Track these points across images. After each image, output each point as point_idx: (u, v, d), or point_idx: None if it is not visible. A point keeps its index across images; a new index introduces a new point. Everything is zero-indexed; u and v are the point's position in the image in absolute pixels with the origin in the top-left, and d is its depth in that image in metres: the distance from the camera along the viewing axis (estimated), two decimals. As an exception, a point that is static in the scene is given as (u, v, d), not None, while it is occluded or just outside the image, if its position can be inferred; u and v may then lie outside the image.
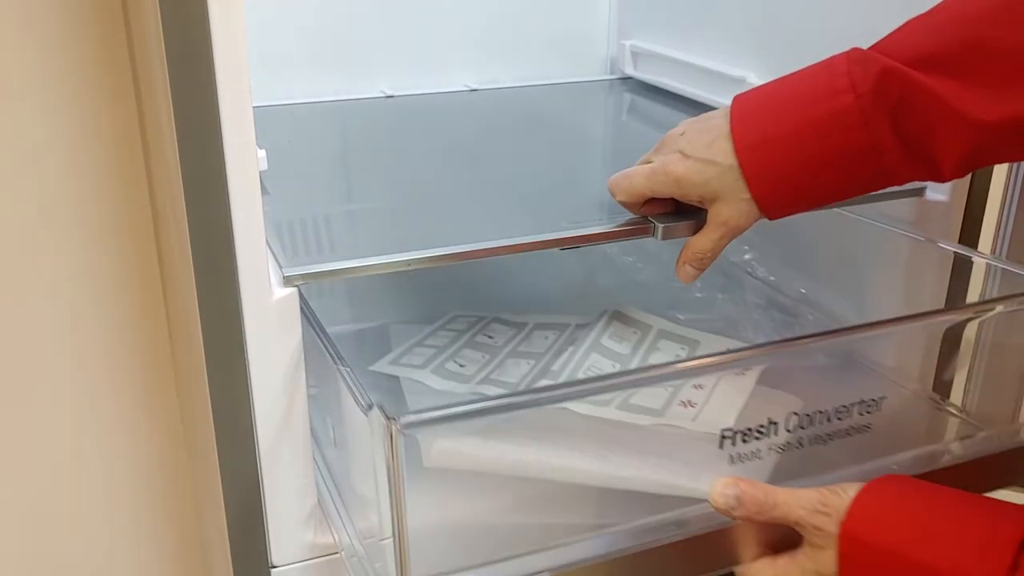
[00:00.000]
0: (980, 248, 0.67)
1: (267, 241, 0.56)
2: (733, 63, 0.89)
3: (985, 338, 0.62)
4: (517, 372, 0.66)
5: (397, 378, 0.67)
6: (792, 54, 0.83)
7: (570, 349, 0.67)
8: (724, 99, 0.90)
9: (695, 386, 0.56)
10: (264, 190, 0.53)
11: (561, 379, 0.63)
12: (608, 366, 0.65)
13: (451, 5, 0.99)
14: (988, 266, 0.64)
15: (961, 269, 0.67)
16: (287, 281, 0.54)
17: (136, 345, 0.90)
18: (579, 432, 0.53)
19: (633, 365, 0.66)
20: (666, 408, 0.56)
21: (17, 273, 0.84)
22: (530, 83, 1.05)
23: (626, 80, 1.07)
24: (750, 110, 0.53)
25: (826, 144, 0.50)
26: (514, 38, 1.02)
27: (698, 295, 0.80)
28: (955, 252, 0.66)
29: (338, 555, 0.60)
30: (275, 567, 0.60)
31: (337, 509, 0.60)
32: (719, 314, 0.79)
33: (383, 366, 0.69)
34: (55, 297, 0.86)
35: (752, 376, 0.55)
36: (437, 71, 1.00)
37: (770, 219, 0.55)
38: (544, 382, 0.63)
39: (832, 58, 0.52)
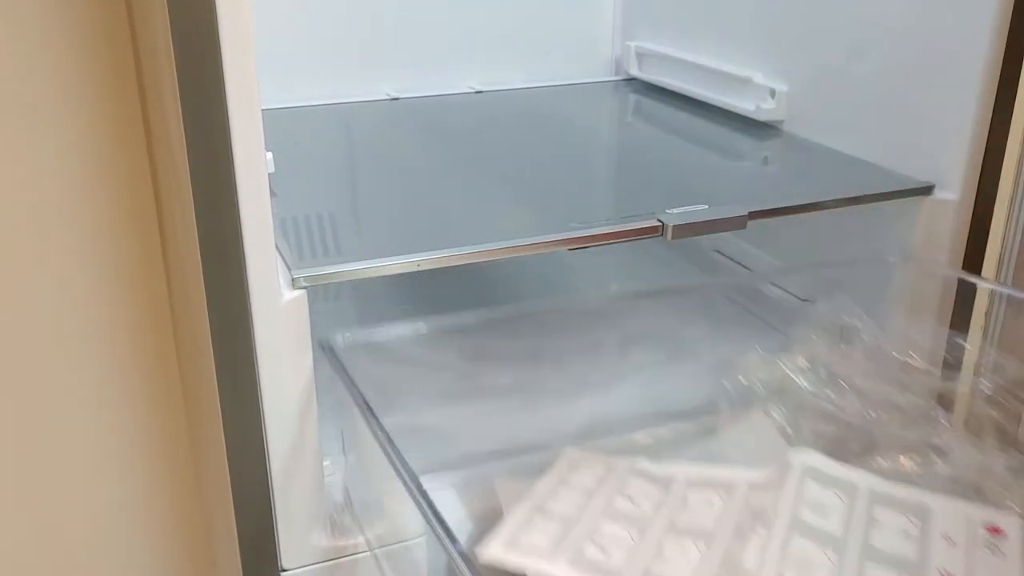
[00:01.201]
0: (989, 247, 0.67)
1: (275, 244, 0.56)
2: (738, 63, 0.89)
3: None
4: (685, 563, 0.48)
5: None
6: (797, 53, 0.83)
7: (760, 532, 0.49)
8: (729, 99, 0.90)
9: (946, 539, 0.45)
10: (271, 192, 0.53)
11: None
12: (821, 556, 0.47)
13: (455, 7, 0.99)
14: (992, 291, 0.63)
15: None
16: (296, 283, 0.54)
17: (141, 348, 0.90)
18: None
19: (854, 552, 0.48)
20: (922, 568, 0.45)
21: (19, 278, 0.84)
22: (535, 84, 1.05)
23: (631, 81, 1.07)
24: None
25: None
26: (518, 40, 1.02)
27: (902, 431, 0.58)
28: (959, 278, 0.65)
29: (348, 558, 0.60)
30: (285, 571, 0.60)
31: (348, 513, 0.60)
32: (947, 461, 0.56)
33: (498, 551, 0.49)
34: (57, 304, 0.86)
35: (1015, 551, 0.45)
36: (442, 73, 1.00)
37: None
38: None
39: None
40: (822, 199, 0.67)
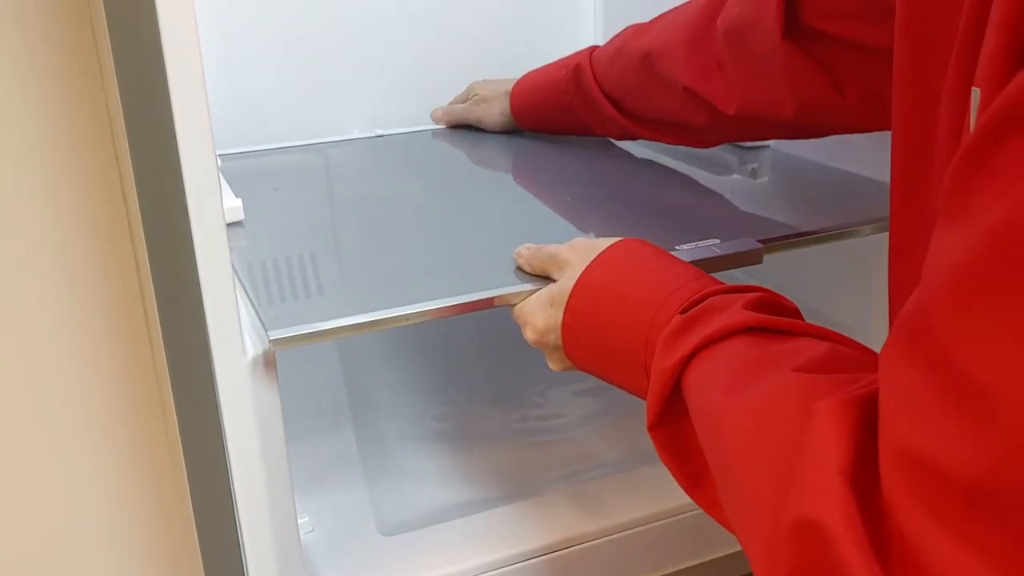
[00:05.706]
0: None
1: (252, 301, 0.52)
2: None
3: None
4: None
5: None
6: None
7: None
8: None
9: None
10: (250, 237, 0.49)
11: None
12: None
13: (435, 43, 0.99)
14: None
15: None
16: (269, 348, 0.50)
17: (125, 399, 0.87)
18: None
19: None
20: None
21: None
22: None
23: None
24: (526, 85, 0.89)
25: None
26: (500, 74, 0.98)
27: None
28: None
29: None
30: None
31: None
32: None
33: None
34: (39, 354, 0.83)
35: None
36: (424, 109, 0.96)
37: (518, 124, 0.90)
38: None
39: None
40: (835, 225, 0.64)
